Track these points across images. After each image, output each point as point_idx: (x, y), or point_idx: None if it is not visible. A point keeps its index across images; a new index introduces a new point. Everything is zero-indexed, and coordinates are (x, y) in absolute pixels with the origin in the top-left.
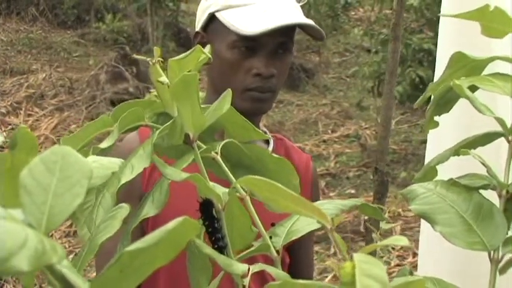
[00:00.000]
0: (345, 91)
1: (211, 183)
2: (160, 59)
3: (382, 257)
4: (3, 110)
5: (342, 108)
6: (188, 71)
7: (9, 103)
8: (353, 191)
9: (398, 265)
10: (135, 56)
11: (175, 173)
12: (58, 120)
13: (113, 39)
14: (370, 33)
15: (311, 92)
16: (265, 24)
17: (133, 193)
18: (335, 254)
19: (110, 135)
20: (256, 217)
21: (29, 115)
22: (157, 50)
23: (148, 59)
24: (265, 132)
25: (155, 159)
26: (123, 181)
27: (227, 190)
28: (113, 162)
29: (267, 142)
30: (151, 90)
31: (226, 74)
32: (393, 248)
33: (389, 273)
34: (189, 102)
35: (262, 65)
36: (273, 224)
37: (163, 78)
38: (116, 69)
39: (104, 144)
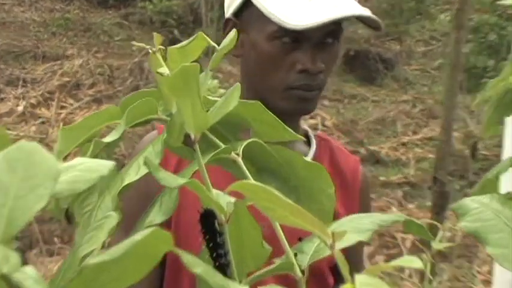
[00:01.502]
0: (430, 86)
1: (215, 191)
2: (162, 47)
3: (460, 281)
4: (33, 101)
5: (425, 106)
6: (195, 61)
7: (40, 93)
8: None
9: None
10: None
11: (170, 178)
12: None
13: (160, 21)
14: None
15: (390, 86)
16: (312, 16)
17: (150, 195)
18: (410, 276)
19: (116, 129)
20: (279, 230)
21: (62, 107)
22: (157, 37)
23: (148, 47)
24: (307, 132)
25: (147, 161)
26: (126, 182)
27: (232, 199)
28: (102, 165)
29: (309, 143)
30: None
31: (264, 69)
32: (478, 272)
33: None
34: (189, 97)
35: (309, 60)
36: (300, 239)
37: (164, 69)
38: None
39: (108, 139)
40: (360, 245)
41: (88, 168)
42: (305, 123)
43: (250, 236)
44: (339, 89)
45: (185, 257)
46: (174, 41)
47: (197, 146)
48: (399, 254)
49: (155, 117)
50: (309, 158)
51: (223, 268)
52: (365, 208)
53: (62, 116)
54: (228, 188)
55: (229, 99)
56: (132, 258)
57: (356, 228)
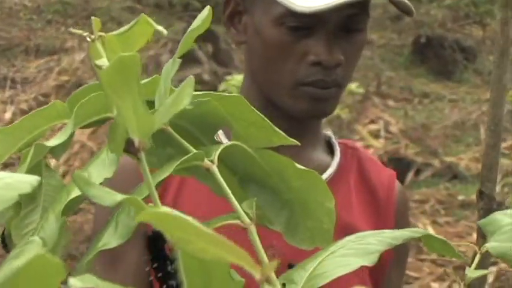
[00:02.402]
0: None
1: (164, 208)
2: (102, 33)
3: None
4: (24, 106)
5: None
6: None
7: (32, 96)
8: None
9: None
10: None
11: (104, 195)
12: None
13: (182, 4)
14: None
15: (471, 81)
16: None
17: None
18: None
19: (63, 130)
20: (263, 253)
21: None
22: (96, 22)
23: (85, 34)
24: (330, 139)
25: (75, 175)
26: (73, 195)
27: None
28: (23, 181)
29: (332, 151)
30: (231, 77)
31: (271, 60)
32: None
33: None
34: (129, 94)
35: (324, 50)
36: (290, 266)
37: (103, 61)
38: None
39: (52, 142)
40: (396, 276)
41: (6, 185)
42: (364, 129)
43: (216, 265)
44: (407, 85)
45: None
46: None
47: (142, 155)
48: None
49: (111, 116)
50: (331, 170)
51: None
52: None
53: (59, 124)
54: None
55: (180, 96)
56: None
57: (359, 250)
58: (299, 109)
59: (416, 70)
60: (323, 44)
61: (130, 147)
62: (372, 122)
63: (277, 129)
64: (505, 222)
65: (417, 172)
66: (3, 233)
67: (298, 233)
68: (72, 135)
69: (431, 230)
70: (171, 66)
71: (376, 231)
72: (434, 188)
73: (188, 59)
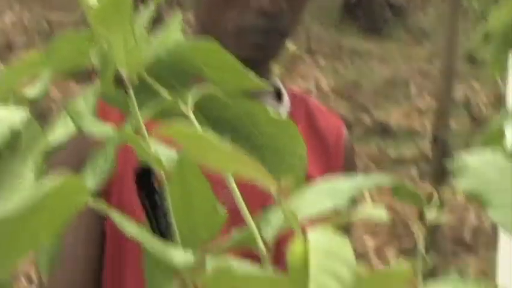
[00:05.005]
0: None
1: (155, 143)
2: None
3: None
4: None
5: None
6: None
7: None
8: None
9: None
10: None
11: (96, 126)
12: None
13: None
14: None
15: (401, 38)
16: None
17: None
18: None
19: (40, 79)
20: (238, 194)
21: None
22: None
23: None
24: (279, 87)
25: (69, 108)
26: (52, 141)
27: (175, 153)
28: (14, 114)
29: (280, 98)
30: None
31: (215, 6)
32: None
33: None
34: (121, 28)
35: None
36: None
37: (93, 1)
38: None
39: (31, 92)
40: None
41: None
42: (295, 86)
43: (200, 198)
44: (337, 43)
45: (116, 216)
46: None
47: (131, 90)
48: (415, 248)
49: (87, 63)
50: None
51: (162, 232)
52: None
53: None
54: (155, 133)
55: (167, 32)
56: (41, 214)
57: (330, 191)
58: (242, 56)
59: (345, 28)
60: None
61: (119, 81)
62: (303, 79)
63: (248, 73)
64: (473, 164)
65: (349, 129)
66: None
67: None
68: (48, 84)
69: None
70: (148, 11)
71: (348, 177)
72: (365, 144)
73: None
